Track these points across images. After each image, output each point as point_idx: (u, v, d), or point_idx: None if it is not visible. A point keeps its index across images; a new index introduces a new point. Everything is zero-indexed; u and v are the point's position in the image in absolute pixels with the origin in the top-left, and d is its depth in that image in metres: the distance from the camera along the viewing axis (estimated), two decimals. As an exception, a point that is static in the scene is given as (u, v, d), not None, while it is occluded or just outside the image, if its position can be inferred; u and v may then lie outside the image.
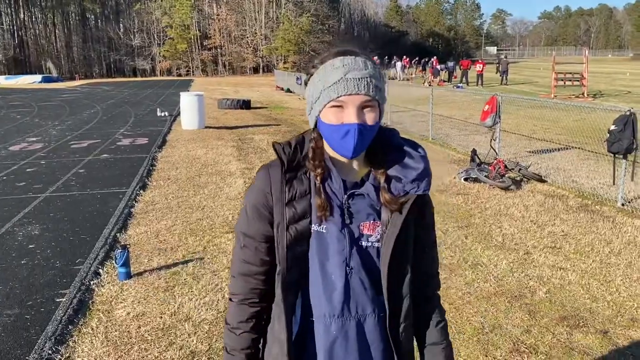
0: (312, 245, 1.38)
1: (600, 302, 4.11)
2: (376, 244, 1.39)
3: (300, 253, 1.38)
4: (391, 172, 1.38)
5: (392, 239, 1.36)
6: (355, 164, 1.40)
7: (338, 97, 1.27)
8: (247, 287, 1.48)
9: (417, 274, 1.47)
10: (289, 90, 30.08)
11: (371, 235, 1.39)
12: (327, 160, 1.39)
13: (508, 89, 27.53)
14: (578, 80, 23.35)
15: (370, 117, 1.29)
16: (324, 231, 1.37)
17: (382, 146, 1.39)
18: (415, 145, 1.41)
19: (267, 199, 1.40)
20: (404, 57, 46.29)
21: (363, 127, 1.28)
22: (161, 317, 3.92)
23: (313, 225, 1.37)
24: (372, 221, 1.39)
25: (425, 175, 1.37)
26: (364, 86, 1.27)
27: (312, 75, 1.36)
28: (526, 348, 3.48)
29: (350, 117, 1.27)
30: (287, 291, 1.40)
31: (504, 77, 31.61)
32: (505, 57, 35.69)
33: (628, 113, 6.66)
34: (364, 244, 1.39)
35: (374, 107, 1.30)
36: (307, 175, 1.40)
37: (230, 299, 1.54)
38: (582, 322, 3.81)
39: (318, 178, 1.37)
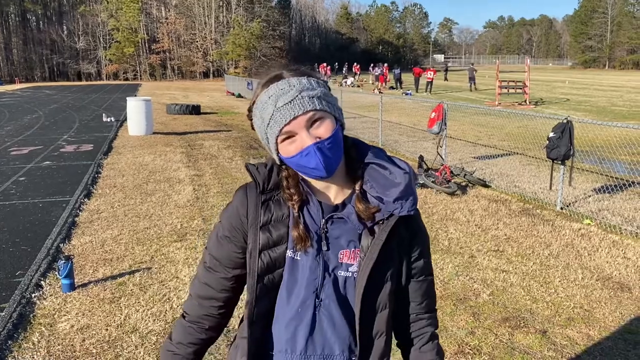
0: (284, 273, 1.27)
1: (540, 303, 4.28)
2: (356, 275, 1.25)
3: (271, 282, 1.27)
4: (371, 191, 1.26)
5: (368, 268, 1.23)
6: (334, 186, 1.28)
7: (280, 130, 1.18)
8: (200, 311, 1.39)
9: (409, 312, 1.37)
10: (239, 96, 29.90)
11: (351, 265, 1.26)
12: (304, 183, 1.28)
13: (455, 96, 28.29)
14: (521, 88, 24.22)
15: (323, 130, 1.18)
16: (298, 258, 1.26)
17: (361, 162, 1.28)
18: (398, 163, 1.28)
19: (242, 221, 1.30)
20: (355, 64, 46.86)
21: (320, 144, 1.17)
22: (107, 330, 3.83)
23: (288, 251, 1.26)
24: (353, 249, 1.26)
25: (409, 193, 1.24)
26: (298, 106, 1.17)
27: (252, 120, 1.27)
28: (470, 349, 3.59)
29: (303, 141, 1.17)
30: (253, 324, 1.29)
31: (472, 84, 32.39)
32: (472, 64, 36.83)
33: (565, 121, 6.97)
34: (341, 274, 1.26)
35: (322, 118, 1.19)
36: (289, 205, 1.29)
37: (182, 315, 1.44)
38: (523, 322, 3.96)
39: (295, 207, 1.26)
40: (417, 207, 1.28)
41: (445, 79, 43.34)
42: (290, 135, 1.19)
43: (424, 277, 1.37)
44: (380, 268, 1.25)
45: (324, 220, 1.26)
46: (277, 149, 1.22)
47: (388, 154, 1.34)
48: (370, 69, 41.51)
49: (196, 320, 1.40)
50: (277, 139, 1.20)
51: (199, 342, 1.41)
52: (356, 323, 1.25)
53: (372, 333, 1.29)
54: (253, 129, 1.29)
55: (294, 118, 1.17)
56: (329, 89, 1.27)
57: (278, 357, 1.29)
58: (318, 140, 1.17)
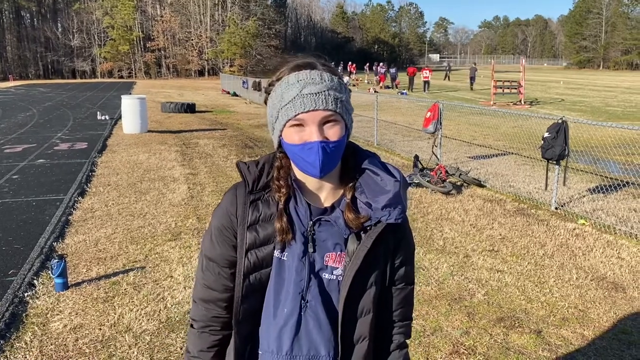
0: (271, 274, 1.28)
1: (535, 303, 4.28)
2: (340, 278, 1.27)
3: (258, 282, 1.28)
4: (361, 197, 1.27)
5: (352, 273, 1.24)
6: (325, 189, 1.29)
7: (296, 115, 1.18)
8: (208, 314, 1.38)
9: (385, 317, 1.38)
10: (235, 94, 29.86)
11: (336, 268, 1.27)
12: (294, 182, 1.29)
13: (450, 96, 28.33)
14: (516, 88, 24.26)
15: (333, 133, 1.20)
16: (284, 259, 1.27)
17: (356, 169, 1.30)
18: (391, 170, 1.29)
19: (231, 221, 1.31)
20: (350, 62, 46.87)
21: (326, 144, 1.18)
22: (100, 329, 3.80)
23: (275, 251, 1.27)
24: (338, 252, 1.27)
25: (397, 201, 1.25)
26: (322, 101, 1.18)
27: (270, 94, 1.27)
28: (465, 350, 3.59)
29: (311, 135, 1.18)
30: (239, 322, 1.31)
31: (472, 83, 32.83)
32: (475, 64, 37.27)
33: (560, 121, 6.98)
34: (326, 276, 1.27)
35: (337, 121, 1.21)
36: (276, 197, 1.30)
37: (191, 325, 1.43)
38: (518, 322, 3.96)
39: (282, 199, 1.27)
40: (411, 207, 1.28)
41: (447, 77, 43.34)
42: (300, 124, 1.20)
43: (403, 285, 1.39)
44: (364, 274, 1.26)
45: (311, 222, 1.26)
46: (281, 131, 1.23)
47: (383, 160, 1.34)
48: (375, 67, 41.39)
49: (206, 324, 1.39)
50: (287, 122, 1.21)
51: (217, 343, 1.41)
52: (339, 327, 1.27)
53: (355, 337, 1.31)
54: (265, 103, 1.30)
55: (314, 110, 1.18)
56: (350, 97, 1.28)
57: (265, 357, 1.30)
58: (325, 140, 1.19)
